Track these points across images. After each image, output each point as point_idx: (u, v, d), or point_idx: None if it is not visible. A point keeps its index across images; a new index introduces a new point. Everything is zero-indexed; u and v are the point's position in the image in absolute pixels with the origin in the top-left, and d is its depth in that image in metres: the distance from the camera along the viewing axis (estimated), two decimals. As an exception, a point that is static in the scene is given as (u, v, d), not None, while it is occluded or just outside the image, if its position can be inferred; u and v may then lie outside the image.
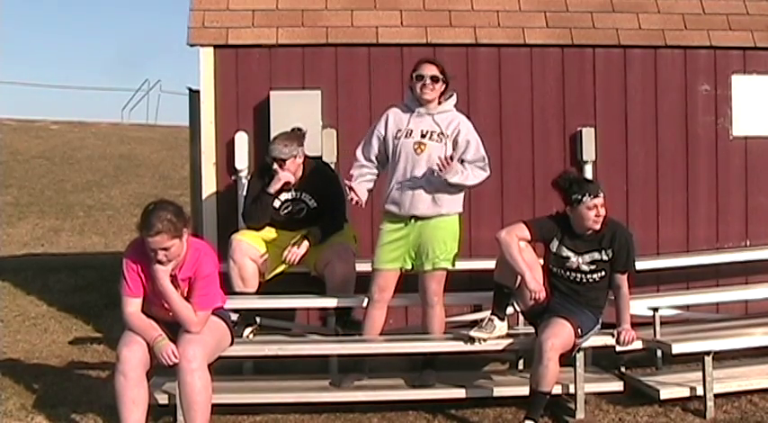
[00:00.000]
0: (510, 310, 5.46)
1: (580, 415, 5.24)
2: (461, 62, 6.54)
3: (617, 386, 5.50)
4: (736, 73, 6.79)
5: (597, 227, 5.12)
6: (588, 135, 6.63)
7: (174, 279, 4.74)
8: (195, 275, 4.77)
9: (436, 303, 5.40)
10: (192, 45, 6.53)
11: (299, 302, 5.98)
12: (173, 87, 41.50)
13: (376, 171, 5.52)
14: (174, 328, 4.75)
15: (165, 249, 4.60)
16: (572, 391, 5.29)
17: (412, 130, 5.36)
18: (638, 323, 5.43)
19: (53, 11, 59.87)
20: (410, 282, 5.54)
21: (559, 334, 4.97)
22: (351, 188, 5.37)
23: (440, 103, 5.40)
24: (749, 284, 6.57)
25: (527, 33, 6.69)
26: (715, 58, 6.79)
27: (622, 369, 6.00)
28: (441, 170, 5.18)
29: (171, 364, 4.66)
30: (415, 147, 5.33)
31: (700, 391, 5.29)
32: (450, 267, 5.37)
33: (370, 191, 5.49)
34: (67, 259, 10.20)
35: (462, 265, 5.57)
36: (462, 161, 5.30)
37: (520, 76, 6.71)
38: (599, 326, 5.27)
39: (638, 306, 5.67)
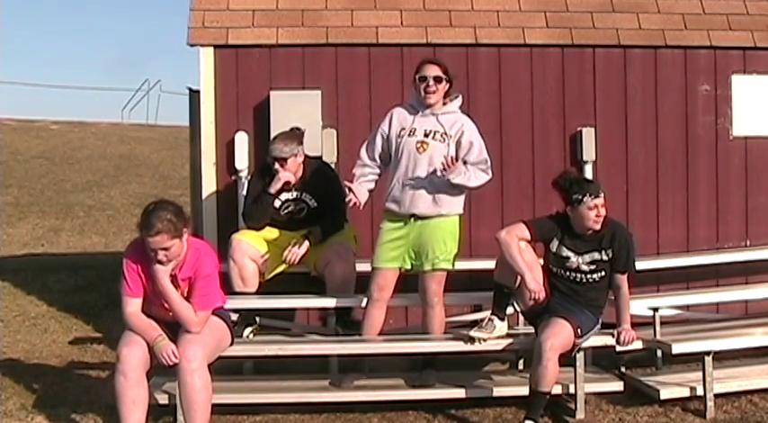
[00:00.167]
0: (510, 310, 5.46)
1: (580, 415, 5.24)
2: (461, 62, 6.53)
3: (617, 386, 5.50)
4: (737, 73, 6.79)
5: (597, 227, 5.12)
6: (588, 135, 6.63)
7: (174, 279, 4.74)
8: (195, 275, 4.77)
9: (436, 304, 5.40)
10: (192, 45, 6.53)
11: (299, 302, 5.98)
12: (173, 87, 41.57)
13: (378, 170, 5.51)
14: (174, 328, 4.75)
15: (165, 249, 4.60)
16: (572, 391, 5.29)
17: (415, 129, 5.36)
18: (638, 323, 5.43)
19: (53, 11, 59.99)
20: (410, 282, 5.54)
21: (559, 334, 4.97)
22: (350, 189, 5.37)
23: (445, 103, 5.40)
24: (749, 284, 6.57)
25: (527, 33, 6.69)
26: (715, 58, 6.79)
27: (622, 369, 6.01)
28: (445, 170, 5.17)
29: (171, 364, 4.66)
30: (418, 146, 5.32)
31: (700, 391, 5.29)
32: (449, 268, 5.36)
33: (371, 191, 5.49)
34: (67, 259, 10.21)
35: (462, 265, 5.57)
36: (465, 163, 5.30)
37: (520, 76, 6.71)
38: (599, 326, 5.27)
39: (638, 306, 5.67)
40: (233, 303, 5.37)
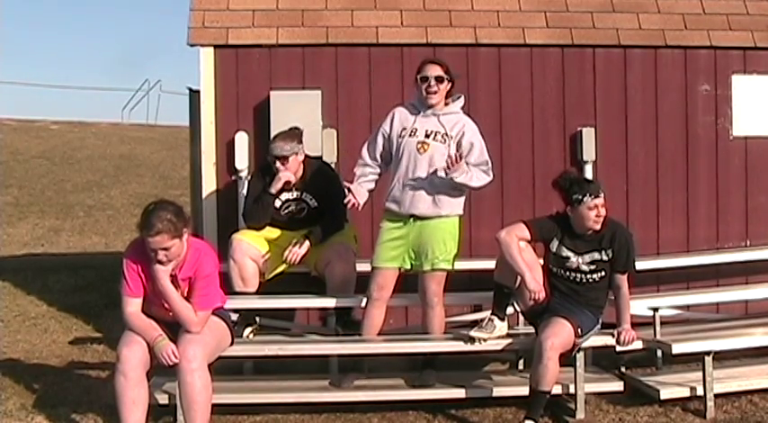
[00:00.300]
0: (510, 310, 5.46)
1: (580, 415, 5.24)
2: (461, 62, 6.52)
3: (617, 386, 5.50)
4: (737, 73, 6.79)
5: (597, 227, 5.12)
6: (588, 135, 6.63)
7: (174, 279, 4.74)
8: (195, 275, 4.77)
9: (436, 304, 5.40)
10: (192, 45, 6.53)
11: (299, 302, 5.98)
12: (173, 87, 41.46)
13: (378, 170, 5.51)
14: (174, 328, 4.75)
15: (166, 249, 4.60)
16: (572, 391, 5.29)
17: (416, 129, 5.35)
18: (638, 323, 5.43)
19: (53, 11, 59.97)
20: (410, 282, 5.54)
21: (559, 333, 4.97)
22: (349, 190, 5.36)
23: (447, 103, 5.40)
24: (749, 284, 6.57)
25: (527, 33, 6.69)
26: (715, 58, 6.79)
27: (622, 369, 6.01)
28: (448, 168, 5.17)
29: (171, 364, 4.66)
30: (419, 146, 5.32)
31: (700, 391, 5.29)
32: (449, 268, 5.36)
33: (371, 191, 5.49)
34: (67, 259, 10.21)
35: (462, 265, 5.57)
36: (466, 163, 5.29)
37: (520, 76, 6.71)
38: (599, 326, 5.27)
39: (638, 306, 5.67)
40: (233, 303, 5.37)
